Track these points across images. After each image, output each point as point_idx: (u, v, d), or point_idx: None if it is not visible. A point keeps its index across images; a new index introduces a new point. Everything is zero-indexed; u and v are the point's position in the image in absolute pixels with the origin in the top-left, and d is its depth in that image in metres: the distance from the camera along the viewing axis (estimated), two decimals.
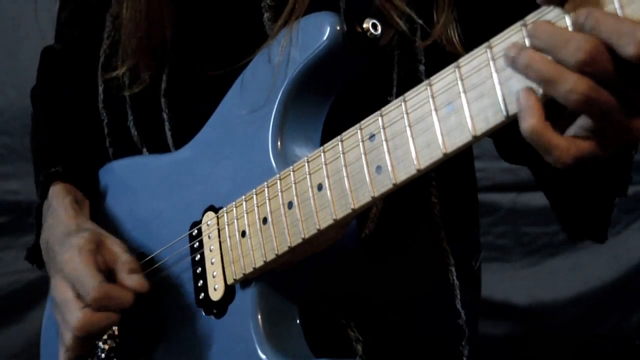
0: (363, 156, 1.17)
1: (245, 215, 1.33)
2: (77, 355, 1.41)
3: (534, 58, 0.95)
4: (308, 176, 1.24)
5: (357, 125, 1.19)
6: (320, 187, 1.22)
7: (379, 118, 1.15)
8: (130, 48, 1.54)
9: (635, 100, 0.94)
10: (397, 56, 1.40)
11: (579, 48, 0.92)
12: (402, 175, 1.12)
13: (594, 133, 0.97)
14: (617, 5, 0.92)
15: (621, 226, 3.23)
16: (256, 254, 1.31)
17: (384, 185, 1.15)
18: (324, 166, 1.22)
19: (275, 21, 1.41)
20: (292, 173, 1.27)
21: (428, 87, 1.09)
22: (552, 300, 3.29)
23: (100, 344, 1.52)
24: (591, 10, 0.92)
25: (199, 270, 1.40)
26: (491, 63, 1.01)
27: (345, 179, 1.19)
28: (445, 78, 1.07)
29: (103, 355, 1.52)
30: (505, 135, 1.05)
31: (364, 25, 1.31)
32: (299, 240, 1.25)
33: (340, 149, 1.20)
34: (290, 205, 1.26)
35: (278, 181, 1.29)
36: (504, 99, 1.00)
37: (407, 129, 1.11)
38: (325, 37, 1.30)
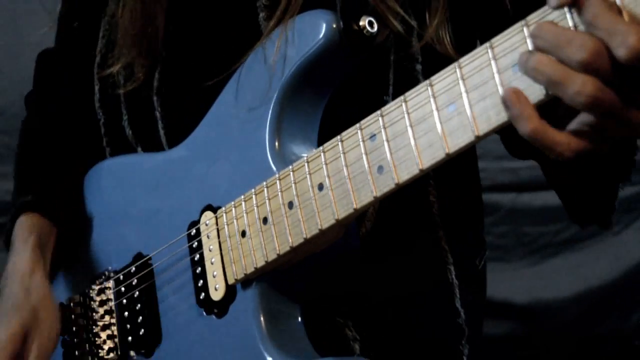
0: (364, 156, 1.17)
1: (244, 215, 1.33)
2: None
3: (542, 61, 0.95)
4: (308, 176, 1.24)
5: (357, 125, 1.19)
6: (321, 187, 1.22)
7: (380, 118, 1.15)
8: (125, 45, 1.54)
9: (638, 97, 0.95)
10: (393, 55, 1.40)
11: (582, 47, 0.92)
12: (405, 175, 1.13)
13: (595, 128, 0.98)
14: None
15: (621, 226, 3.23)
16: (257, 254, 1.30)
17: (386, 185, 1.15)
18: (324, 166, 1.22)
19: (270, 21, 1.41)
20: (291, 173, 1.27)
21: (429, 87, 1.09)
22: (552, 300, 3.29)
23: (100, 343, 1.52)
24: (591, 4, 0.92)
25: (198, 270, 1.40)
26: (492, 63, 1.01)
27: (347, 179, 1.19)
28: (446, 78, 1.07)
29: (103, 355, 1.52)
30: (510, 132, 1.05)
31: (360, 23, 1.30)
32: (301, 241, 1.25)
33: (341, 148, 1.20)
34: (290, 205, 1.26)
35: (277, 181, 1.28)
36: None
37: (409, 129, 1.11)
38: (321, 35, 1.30)
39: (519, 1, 1.38)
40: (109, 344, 1.53)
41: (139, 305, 1.50)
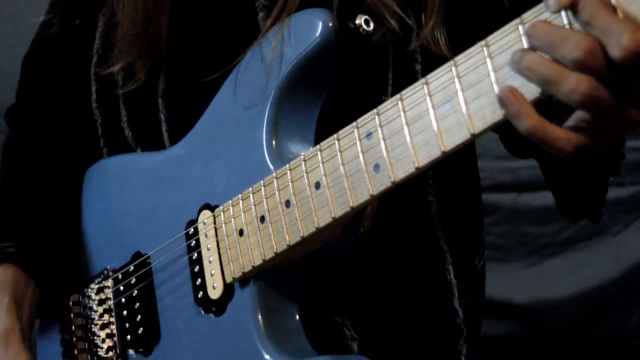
0: (360, 154, 1.17)
1: (242, 213, 1.33)
2: None
3: (535, 60, 0.96)
4: (305, 174, 1.24)
5: (354, 124, 1.19)
6: (317, 185, 1.23)
7: (376, 116, 1.16)
8: (126, 46, 1.53)
9: (633, 94, 0.95)
10: (392, 55, 1.40)
11: (576, 46, 0.93)
12: (401, 174, 1.13)
13: (592, 124, 0.98)
14: None
15: (621, 226, 3.23)
16: (255, 252, 1.31)
17: (382, 183, 1.15)
18: (321, 164, 1.22)
19: (268, 20, 1.41)
20: (288, 171, 1.27)
21: (425, 86, 1.09)
22: (552, 300, 3.29)
23: (99, 342, 1.53)
24: (587, 3, 0.93)
25: (196, 268, 1.40)
26: (488, 61, 1.02)
27: (343, 177, 1.19)
28: (442, 76, 1.07)
29: (101, 354, 1.52)
30: (510, 130, 1.05)
31: (357, 21, 1.31)
32: (298, 239, 1.25)
33: (337, 147, 1.20)
34: (287, 203, 1.26)
35: (274, 180, 1.29)
36: None
37: (405, 127, 1.11)
38: (317, 34, 1.30)
39: (518, 2, 1.38)
40: (108, 342, 1.53)
41: (137, 304, 1.50)
